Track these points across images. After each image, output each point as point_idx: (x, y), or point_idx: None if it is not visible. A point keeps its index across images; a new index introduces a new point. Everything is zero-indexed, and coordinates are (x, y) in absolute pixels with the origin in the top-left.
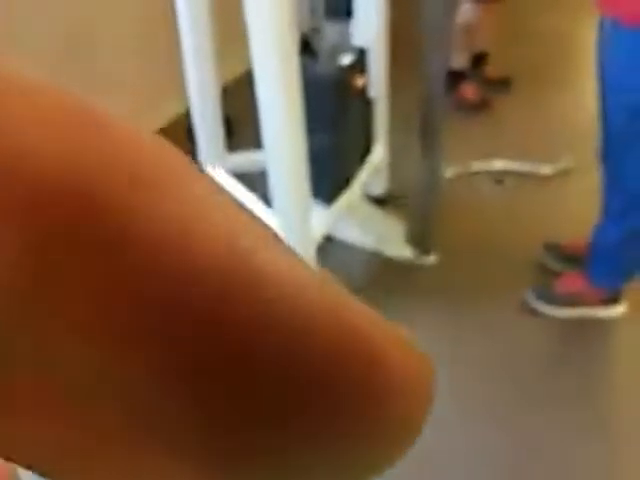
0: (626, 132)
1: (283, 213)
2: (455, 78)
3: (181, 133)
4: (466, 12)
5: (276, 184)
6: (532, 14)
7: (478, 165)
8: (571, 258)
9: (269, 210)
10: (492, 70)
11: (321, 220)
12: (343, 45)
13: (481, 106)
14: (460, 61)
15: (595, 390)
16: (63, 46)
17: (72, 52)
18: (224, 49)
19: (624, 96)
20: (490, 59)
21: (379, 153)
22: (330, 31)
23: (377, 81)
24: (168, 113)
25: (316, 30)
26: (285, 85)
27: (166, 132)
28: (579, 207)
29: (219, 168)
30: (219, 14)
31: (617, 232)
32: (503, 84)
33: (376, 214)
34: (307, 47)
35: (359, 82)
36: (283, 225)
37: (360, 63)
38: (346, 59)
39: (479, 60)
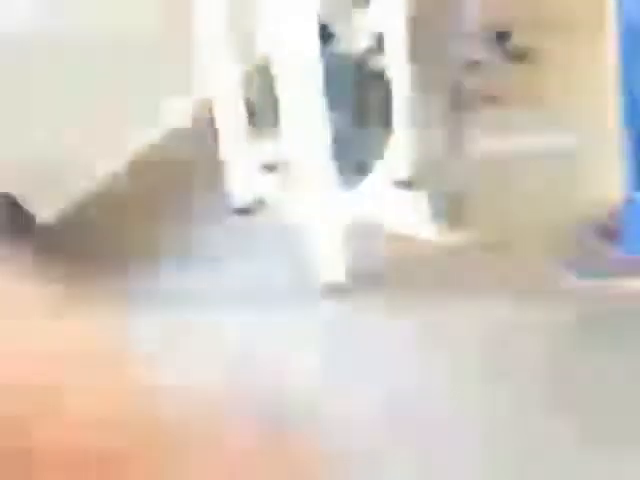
0: None
1: (309, 200)
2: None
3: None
4: None
5: (299, 170)
6: None
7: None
8: (607, 231)
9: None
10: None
11: (347, 204)
12: (362, 30)
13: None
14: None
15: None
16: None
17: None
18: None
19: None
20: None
21: (402, 137)
22: (350, 17)
23: (398, 63)
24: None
25: (336, 16)
26: (306, 69)
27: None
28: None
29: (243, 159)
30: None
31: None
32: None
33: (402, 196)
34: (327, 32)
35: (379, 64)
36: (310, 212)
37: (380, 46)
38: (364, 42)
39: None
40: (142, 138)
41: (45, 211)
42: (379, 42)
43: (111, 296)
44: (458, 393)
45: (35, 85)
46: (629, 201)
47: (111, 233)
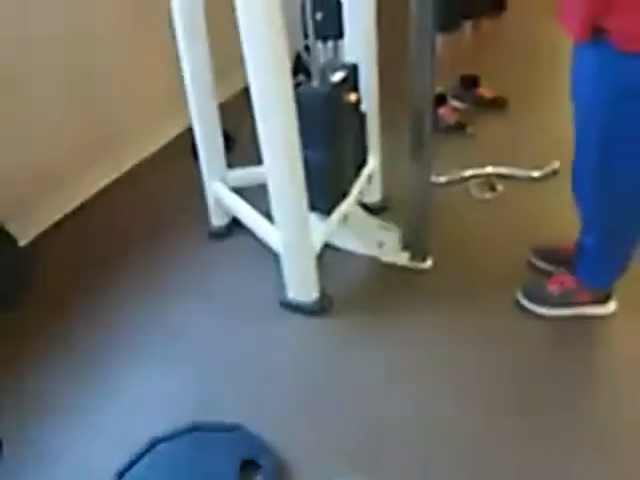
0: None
1: (284, 225)
2: (436, 101)
3: (186, 149)
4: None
5: (276, 198)
6: (522, 33)
7: (470, 171)
8: (561, 258)
9: (270, 224)
10: (486, 91)
11: (320, 231)
12: (335, 62)
13: (458, 127)
14: (439, 87)
15: (589, 391)
16: (76, 76)
17: (84, 81)
18: (221, 68)
19: (580, 106)
20: (484, 79)
21: (372, 163)
22: (322, 50)
23: (368, 96)
24: (173, 130)
25: (309, 49)
26: (280, 103)
27: (172, 148)
28: (567, 209)
29: (221, 184)
30: (215, 36)
31: (597, 234)
32: (497, 104)
33: (372, 222)
34: (301, 65)
35: (352, 97)
36: (284, 237)
37: (352, 79)
38: (338, 76)
39: (472, 83)
40: (126, 157)
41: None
42: (352, 73)
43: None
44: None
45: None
46: (579, 244)
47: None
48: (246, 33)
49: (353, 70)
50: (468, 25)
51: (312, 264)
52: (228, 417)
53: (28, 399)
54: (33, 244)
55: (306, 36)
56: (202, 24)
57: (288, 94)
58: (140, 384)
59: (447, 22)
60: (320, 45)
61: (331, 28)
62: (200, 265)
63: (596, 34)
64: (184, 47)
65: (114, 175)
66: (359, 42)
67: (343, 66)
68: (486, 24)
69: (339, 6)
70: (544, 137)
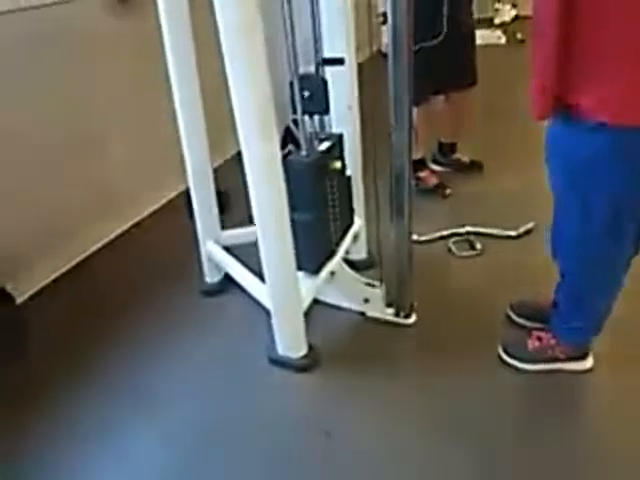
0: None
1: (273, 284)
2: (416, 165)
3: (182, 209)
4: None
5: (266, 258)
6: (496, 99)
7: (450, 230)
8: (537, 314)
9: (261, 282)
10: (463, 155)
11: (308, 288)
12: (321, 133)
13: (438, 189)
14: (417, 152)
15: (569, 445)
16: (75, 139)
17: (84, 144)
18: (217, 133)
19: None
20: (461, 145)
21: (358, 223)
22: (309, 123)
23: (353, 162)
24: (170, 192)
25: (297, 122)
26: (270, 170)
27: (168, 208)
28: (542, 266)
29: (215, 244)
30: (210, 104)
31: (572, 289)
32: (474, 168)
33: (358, 279)
34: (290, 136)
35: (337, 164)
36: (274, 295)
37: (338, 148)
38: (324, 145)
39: (449, 150)
40: (124, 218)
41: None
42: (338, 142)
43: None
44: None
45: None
46: (555, 301)
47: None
48: (238, 106)
49: (339, 139)
50: (442, 97)
51: (300, 321)
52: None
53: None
54: (30, 302)
55: (295, 111)
56: (198, 95)
57: (277, 162)
58: (128, 450)
59: (417, 97)
60: (307, 119)
61: (317, 105)
62: (192, 322)
63: (562, 109)
64: (181, 115)
65: (112, 234)
66: (343, 115)
67: (329, 136)
68: (459, 95)
69: (325, 85)
70: (518, 198)
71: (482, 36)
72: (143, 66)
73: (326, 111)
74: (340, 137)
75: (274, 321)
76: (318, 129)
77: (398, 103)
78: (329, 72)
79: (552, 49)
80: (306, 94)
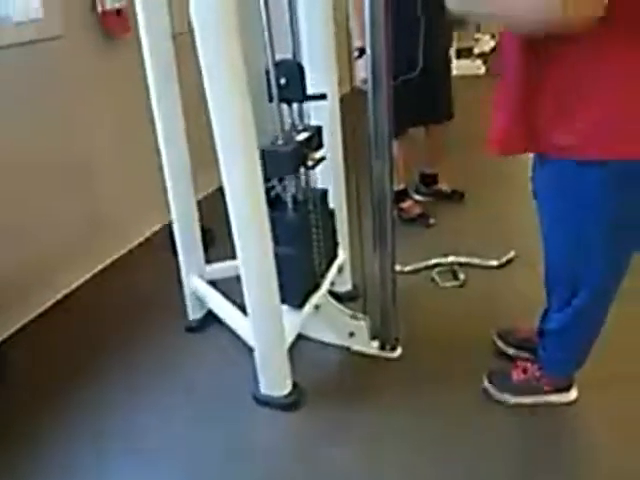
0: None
1: (256, 319)
2: (399, 196)
3: (166, 243)
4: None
5: (249, 293)
6: (476, 129)
7: (434, 260)
8: (523, 343)
9: (244, 317)
10: (444, 185)
11: (292, 322)
12: (300, 124)
13: (421, 219)
14: (399, 183)
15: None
16: (57, 173)
17: (66, 178)
18: (201, 167)
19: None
20: (442, 175)
21: (342, 255)
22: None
23: (337, 194)
24: (154, 224)
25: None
26: (252, 204)
27: (153, 242)
28: (525, 295)
29: (199, 278)
30: (193, 139)
31: (561, 320)
32: (455, 197)
33: (342, 312)
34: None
35: (316, 155)
36: (257, 331)
37: (317, 139)
38: (302, 135)
39: (431, 180)
40: (108, 252)
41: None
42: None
43: None
44: None
45: None
46: (540, 331)
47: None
48: (220, 140)
49: (317, 131)
50: (422, 129)
51: (284, 357)
52: None
53: None
54: (13, 338)
55: (271, 99)
56: (182, 129)
57: (260, 196)
58: None
59: (396, 130)
60: (286, 107)
61: (294, 92)
62: (175, 359)
63: (544, 146)
64: (165, 150)
65: (94, 269)
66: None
67: (308, 127)
68: (437, 127)
69: (301, 70)
70: (499, 226)
71: (462, 66)
72: (127, 101)
73: (304, 97)
74: (319, 128)
75: (257, 359)
76: (297, 120)
77: (378, 135)
78: (312, 106)
79: (522, 87)
80: (282, 81)
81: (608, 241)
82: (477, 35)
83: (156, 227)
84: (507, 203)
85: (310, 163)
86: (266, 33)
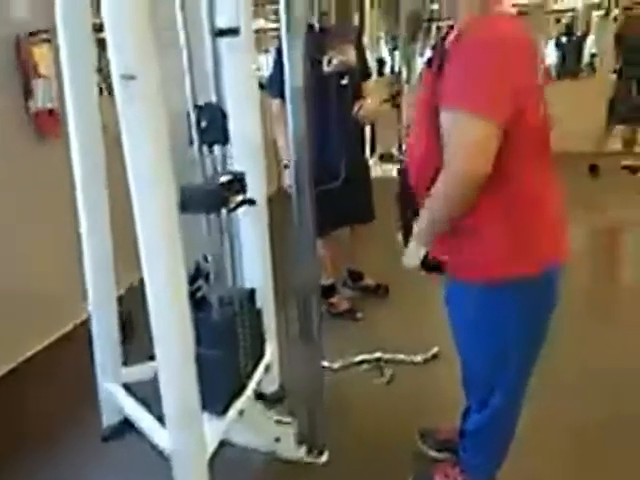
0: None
1: (174, 427)
2: (327, 291)
3: (83, 340)
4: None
5: (167, 399)
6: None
7: (361, 356)
8: (445, 444)
9: (161, 425)
10: (370, 280)
11: (214, 431)
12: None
13: (349, 313)
14: (327, 279)
15: None
16: None
17: None
18: (120, 262)
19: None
20: (368, 271)
21: (269, 354)
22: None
23: (264, 291)
24: (71, 322)
25: (207, 259)
26: (174, 304)
27: (69, 338)
28: (448, 392)
29: (115, 384)
30: (115, 232)
31: (478, 422)
32: (381, 291)
33: (268, 416)
34: (200, 272)
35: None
36: (174, 440)
37: (239, 184)
38: (224, 178)
39: (357, 277)
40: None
41: None
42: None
43: None
44: None
45: None
46: (461, 431)
47: None
48: (141, 231)
49: (240, 177)
50: (347, 228)
51: (204, 470)
52: None
53: None
54: None
55: (192, 142)
56: (106, 220)
57: (182, 296)
58: None
59: (321, 230)
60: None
61: (216, 134)
62: (87, 471)
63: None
64: (87, 239)
65: (4, 369)
66: (253, 251)
67: (231, 173)
68: (361, 227)
69: (223, 114)
70: (422, 321)
71: (385, 169)
72: (49, 194)
73: (225, 141)
74: (242, 174)
75: (175, 470)
76: (220, 164)
77: (303, 235)
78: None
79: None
80: (203, 124)
81: (518, 348)
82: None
83: (73, 323)
84: (431, 296)
85: (231, 205)
86: (187, 77)
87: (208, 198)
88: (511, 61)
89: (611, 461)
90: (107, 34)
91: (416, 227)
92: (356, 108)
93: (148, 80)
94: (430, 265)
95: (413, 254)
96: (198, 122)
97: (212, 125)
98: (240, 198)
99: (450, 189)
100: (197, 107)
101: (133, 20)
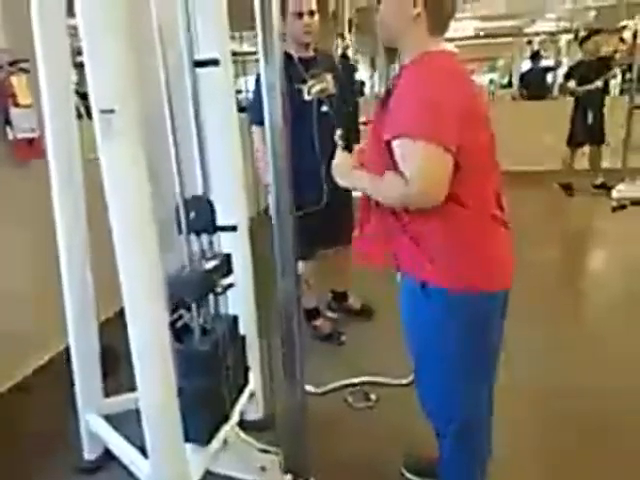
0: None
1: (156, 459)
2: (311, 314)
3: (64, 372)
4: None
5: (149, 430)
6: None
7: (346, 380)
8: (427, 470)
9: (144, 457)
10: (355, 302)
11: (198, 462)
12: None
13: (333, 337)
14: (310, 302)
15: None
16: None
17: None
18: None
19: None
20: (352, 292)
21: (254, 382)
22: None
23: (247, 317)
24: (50, 350)
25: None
26: (155, 332)
27: (47, 370)
28: None
29: (96, 415)
30: (95, 263)
31: (451, 448)
32: (365, 313)
33: (253, 445)
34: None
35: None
36: (157, 472)
37: (225, 266)
38: (211, 264)
39: (341, 298)
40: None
41: None
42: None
43: None
44: None
45: None
46: (440, 449)
47: None
48: (123, 266)
49: (226, 258)
50: (331, 250)
51: None
52: None
53: None
54: None
55: (180, 231)
56: (85, 248)
57: (163, 327)
58: None
59: (305, 253)
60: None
61: (203, 223)
62: None
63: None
64: (66, 267)
65: None
66: (237, 273)
67: (216, 255)
68: (346, 249)
69: (210, 205)
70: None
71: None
72: (35, 223)
73: (213, 230)
74: (228, 256)
75: None
76: (207, 248)
77: (283, 258)
78: (222, 236)
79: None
80: (192, 215)
81: (452, 370)
82: None
83: (53, 352)
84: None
85: (219, 290)
86: (175, 169)
87: (194, 287)
88: (449, 87)
89: None
90: (87, 68)
91: (354, 172)
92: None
93: (128, 115)
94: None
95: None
96: (187, 213)
97: (201, 215)
98: (227, 281)
99: (399, 199)
100: (185, 200)
101: (113, 55)
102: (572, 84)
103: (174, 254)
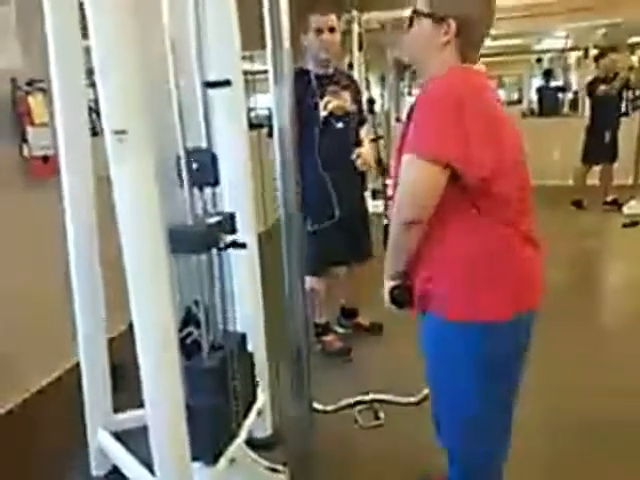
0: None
1: (164, 477)
2: (322, 330)
3: (74, 386)
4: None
5: (157, 448)
6: None
7: (354, 398)
8: None
9: (151, 474)
10: (364, 318)
11: (205, 479)
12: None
13: (342, 353)
14: (322, 318)
15: None
16: None
17: None
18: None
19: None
20: (361, 309)
21: (262, 398)
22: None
23: (255, 333)
24: (62, 367)
25: (198, 303)
26: (164, 352)
27: (60, 384)
28: None
29: (105, 431)
30: (104, 279)
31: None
32: (375, 330)
33: (260, 464)
34: (191, 317)
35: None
36: None
37: (229, 223)
38: (214, 219)
39: (352, 314)
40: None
41: None
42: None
43: None
44: None
45: None
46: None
47: None
48: (132, 283)
49: (230, 217)
50: (344, 267)
51: None
52: None
53: None
54: None
55: (182, 185)
56: (96, 263)
57: (172, 342)
58: None
59: (318, 269)
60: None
61: (206, 176)
62: None
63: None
64: (77, 283)
65: None
66: (245, 290)
67: (220, 213)
68: (359, 265)
69: (213, 157)
70: (415, 360)
71: (378, 205)
72: (38, 237)
73: (215, 182)
74: (232, 215)
75: None
76: (210, 204)
77: (291, 275)
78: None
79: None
80: (195, 166)
81: (473, 403)
82: (387, 180)
83: (62, 369)
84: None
85: (222, 245)
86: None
87: (197, 238)
88: (464, 109)
89: None
90: (98, 89)
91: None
92: (354, 156)
93: (139, 135)
94: (395, 299)
95: (386, 289)
96: (189, 164)
97: (203, 167)
98: (231, 238)
99: (396, 217)
100: (187, 151)
101: (125, 76)
102: (603, 87)
103: (176, 206)
